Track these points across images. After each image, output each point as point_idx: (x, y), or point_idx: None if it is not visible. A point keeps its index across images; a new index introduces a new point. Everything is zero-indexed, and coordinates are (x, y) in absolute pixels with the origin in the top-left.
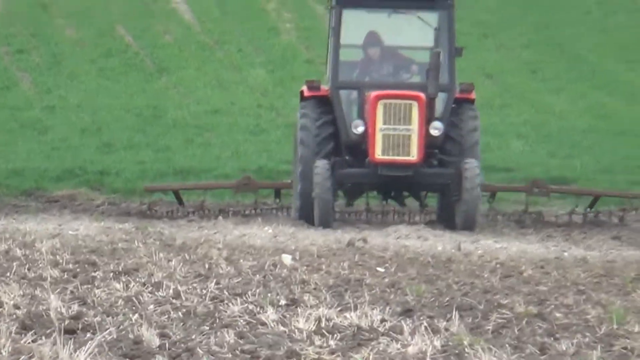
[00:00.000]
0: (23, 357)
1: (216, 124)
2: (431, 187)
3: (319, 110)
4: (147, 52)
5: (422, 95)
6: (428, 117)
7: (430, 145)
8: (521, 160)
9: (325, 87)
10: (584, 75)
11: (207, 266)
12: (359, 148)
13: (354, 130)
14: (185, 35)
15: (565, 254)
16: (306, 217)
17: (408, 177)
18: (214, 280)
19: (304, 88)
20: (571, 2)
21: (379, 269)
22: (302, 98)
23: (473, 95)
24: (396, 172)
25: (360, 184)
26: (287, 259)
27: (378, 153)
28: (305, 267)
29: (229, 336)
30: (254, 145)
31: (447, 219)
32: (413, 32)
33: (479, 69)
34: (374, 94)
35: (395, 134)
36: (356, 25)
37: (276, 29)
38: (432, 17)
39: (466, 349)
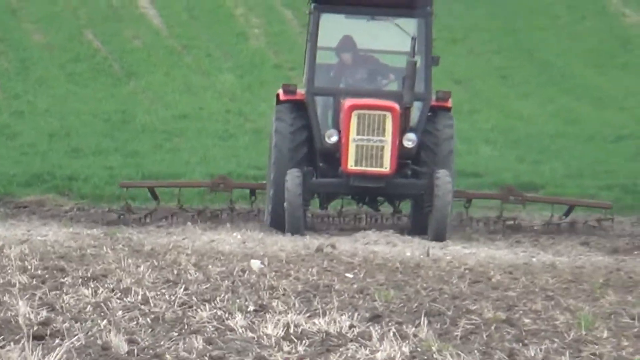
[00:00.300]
0: None
1: (185, 129)
2: (404, 197)
3: (294, 114)
4: (116, 57)
5: (396, 106)
6: (402, 128)
7: (403, 156)
8: (490, 166)
9: (301, 92)
10: (552, 80)
11: (175, 272)
12: (333, 156)
13: (328, 140)
14: (153, 40)
15: (534, 259)
16: (278, 222)
17: (380, 188)
18: (183, 286)
19: (280, 91)
20: (540, 7)
21: (347, 274)
22: (278, 101)
23: (449, 104)
24: (368, 183)
25: (335, 193)
26: (255, 264)
27: (351, 164)
28: (273, 273)
29: (198, 342)
30: (222, 150)
31: (420, 228)
32: (391, 38)
33: (448, 74)
34: (348, 103)
35: (368, 144)
36: (334, 30)
37: (245, 34)
38: (409, 25)
39: (435, 355)
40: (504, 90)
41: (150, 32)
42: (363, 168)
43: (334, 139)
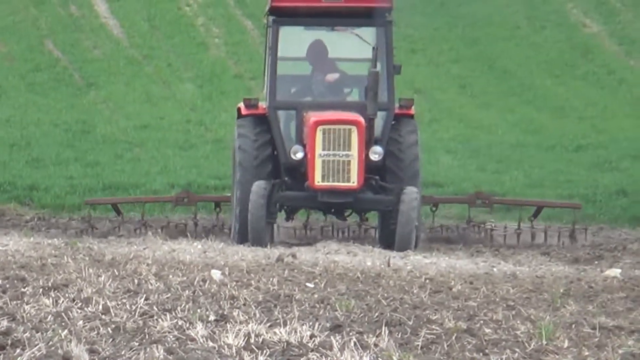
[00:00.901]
0: None
1: (145, 139)
2: (372, 210)
3: (257, 130)
4: (76, 67)
5: (361, 119)
6: (368, 140)
7: (370, 170)
8: (450, 175)
9: (263, 105)
10: (512, 90)
11: (136, 282)
12: (298, 171)
13: (293, 156)
14: (114, 50)
15: (495, 269)
16: (245, 240)
17: (348, 203)
18: (144, 296)
19: (241, 106)
20: (500, 17)
21: (308, 284)
22: (239, 116)
23: (412, 111)
24: (336, 198)
25: (302, 207)
26: (216, 274)
27: (318, 180)
28: (234, 283)
29: (159, 352)
30: (183, 160)
31: (387, 240)
32: (353, 48)
33: (408, 84)
34: (312, 119)
35: (335, 159)
36: (293, 42)
37: (205, 44)
38: (370, 34)
39: None
40: (464, 100)
41: (111, 42)
42: (330, 184)
43: (300, 155)
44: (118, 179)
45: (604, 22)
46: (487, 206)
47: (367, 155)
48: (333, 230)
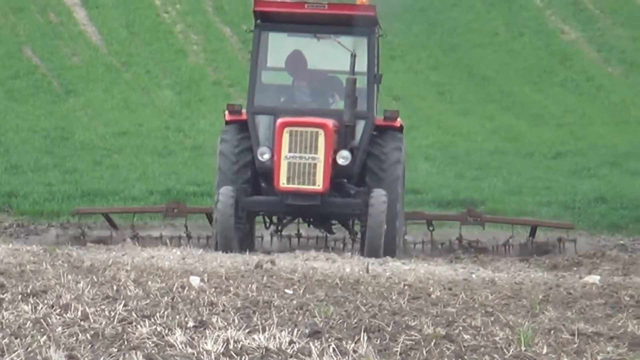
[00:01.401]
0: None
1: (124, 146)
2: (340, 217)
3: (239, 136)
4: (55, 74)
5: (328, 123)
6: (338, 145)
7: (338, 174)
8: (429, 182)
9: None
10: (491, 97)
11: (115, 288)
12: (271, 175)
13: (260, 158)
14: (92, 57)
15: (474, 275)
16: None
17: (314, 206)
18: (122, 302)
19: (226, 112)
20: (478, 23)
21: (287, 290)
22: (225, 122)
23: (397, 123)
24: (302, 201)
25: (270, 212)
26: (195, 280)
27: (283, 181)
28: (213, 289)
29: (137, 358)
30: (161, 166)
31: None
32: (338, 56)
33: (387, 91)
34: (279, 121)
35: (300, 162)
36: (278, 48)
37: (183, 51)
38: (354, 43)
39: None
40: (442, 107)
41: (89, 49)
42: (296, 186)
43: (266, 156)
44: (97, 185)
45: (582, 29)
46: (479, 224)
47: (334, 160)
48: (324, 241)
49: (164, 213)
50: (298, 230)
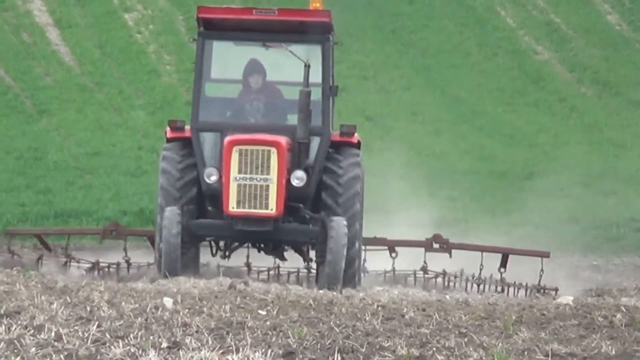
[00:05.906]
0: None
1: (97, 166)
2: (294, 244)
3: (183, 152)
4: (28, 94)
5: (281, 141)
6: (292, 165)
7: (293, 197)
8: (401, 202)
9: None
10: (464, 117)
11: (88, 309)
12: (217, 198)
13: (207, 180)
14: (65, 77)
15: (447, 296)
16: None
17: (267, 232)
18: (96, 323)
19: (167, 129)
20: (451, 44)
21: (260, 311)
22: (167, 140)
23: (355, 139)
24: (253, 226)
25: (218, 237)
26: (168, 302)
27: (232, 205)
28: (186, 310)
29: None
30: (134, 187)
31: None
32: (290, 67)
33: (359, 111)
34: (227, 139)
35: (251, 184)
36: (224, 59)
37: (156, 71)
38: (307, 52)
39: None
40: (415, 127)
41: (62, 69)
42: (246, 210)
43: (214, 178)
44: (70, 205)
45: (555, 50)
46: (445, 251)
47: (288, 181)
48: (277, 273)
49: (101, 235)
50: (247, 258)
